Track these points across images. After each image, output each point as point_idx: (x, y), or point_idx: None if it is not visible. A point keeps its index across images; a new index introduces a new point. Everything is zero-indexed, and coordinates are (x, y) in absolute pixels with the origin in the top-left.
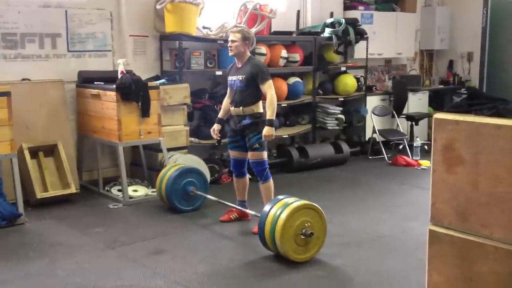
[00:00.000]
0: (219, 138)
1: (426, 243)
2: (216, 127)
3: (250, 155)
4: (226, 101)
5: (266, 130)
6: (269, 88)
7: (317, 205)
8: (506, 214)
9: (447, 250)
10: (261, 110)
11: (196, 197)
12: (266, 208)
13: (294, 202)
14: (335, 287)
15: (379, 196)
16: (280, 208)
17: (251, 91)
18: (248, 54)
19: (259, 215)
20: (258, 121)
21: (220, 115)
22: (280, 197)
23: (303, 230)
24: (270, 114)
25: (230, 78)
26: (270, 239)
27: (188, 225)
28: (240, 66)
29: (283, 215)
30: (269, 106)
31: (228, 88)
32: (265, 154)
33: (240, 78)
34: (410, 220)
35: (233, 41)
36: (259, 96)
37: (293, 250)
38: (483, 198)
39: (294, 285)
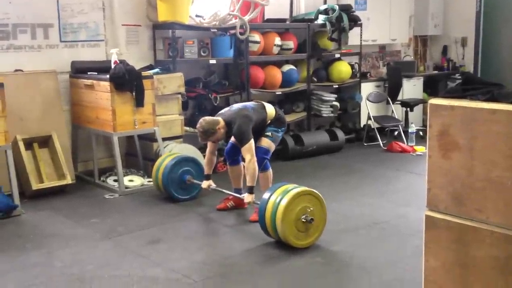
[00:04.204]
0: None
1: (422, 228)
2: (210, 183)
3: (259, 140)
4: (208, 155)
5: (246, 197)
6: (246, 152)
7: (316, 191)
8: (502, 198)
9: (444, 235)
10: (274, 114)
11: (192, 186)
12: (266, 195)
13: (294, 188)
14: (334, 273)
15: (375, 182)
16: (280, 194)
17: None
18: (223, 128)
19: (258, 202)
20: (277, 119)
21: (206, 171)
22: (279, 184)
23: (304, 216)
24: (249, 180)
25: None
26: (271, 225)
27: (185, 214)
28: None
29: (284, 202)
30: (247, 172)
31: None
32: (272, 146)
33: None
34: (406, 206)
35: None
36: (262, 117)
37: (294, 236)
38: (478, 183)
39: (293, 272)
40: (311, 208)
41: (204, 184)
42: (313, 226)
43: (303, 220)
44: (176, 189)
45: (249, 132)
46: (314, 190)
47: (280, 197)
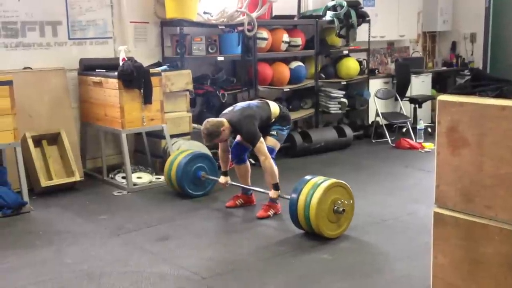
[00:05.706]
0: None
1: (431, 225)
2: (228, 179)
3: (264, 139)
4: (222, 154)
5: (271, 193)
6: (259, 153)
7: (345, 183)
8: (511, 195)
9: (452, 232)
10: (278, 112)
11: (205, 182)
12: (297, 188)
13: (325, 181)
14: (342, 270)
15: (383, 179)
16: (312, 187)
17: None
18: (228, 129)
19: (287, 197)
20: (281, 116)
21: (223, 168)
22: (308, 177)
23: (336, 207)
24: (271, 179)
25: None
26: (303, 217)
27: (194, 211)
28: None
29: (317, 194)
30: (265, 173)
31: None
32: (277, 144)
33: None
34: (415, 202)
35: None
36: (267, 115)
37: (326, 227)
38: (487, 180)
39: (301, 269)
40: (342, 200)
41: (222, 179)
42: (343, 216)
43: (335, 211)
44: (189, 185)
45: (257, 130)
46: (344, 182)
47: (313, 190)
